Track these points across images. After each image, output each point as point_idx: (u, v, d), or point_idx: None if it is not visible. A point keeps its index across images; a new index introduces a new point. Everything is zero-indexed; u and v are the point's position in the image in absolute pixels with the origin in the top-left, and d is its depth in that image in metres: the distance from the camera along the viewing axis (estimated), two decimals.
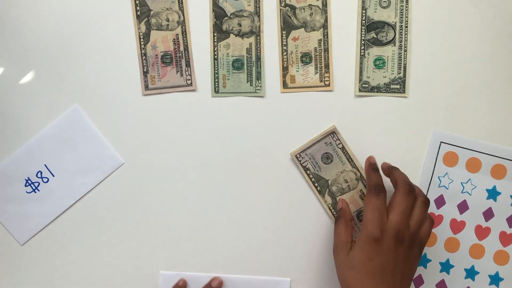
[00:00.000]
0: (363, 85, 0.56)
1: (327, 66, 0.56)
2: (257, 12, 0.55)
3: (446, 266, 0.57)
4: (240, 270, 0.57)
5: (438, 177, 0.56)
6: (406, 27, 0.55)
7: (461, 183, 0.56)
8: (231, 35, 0.56)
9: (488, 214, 0.56)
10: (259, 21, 0.55)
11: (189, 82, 0.56)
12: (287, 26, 0.56)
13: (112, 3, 0.55)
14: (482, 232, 0.56)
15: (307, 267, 0.57)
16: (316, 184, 0.56)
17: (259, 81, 0.56)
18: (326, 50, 0.56)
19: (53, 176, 0.56)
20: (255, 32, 0.56)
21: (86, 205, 0.56)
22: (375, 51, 0.56)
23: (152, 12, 0.55)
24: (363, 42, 0.55)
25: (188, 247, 0.57)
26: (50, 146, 0.56)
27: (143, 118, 0.56)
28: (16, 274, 0.57)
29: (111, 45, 0.55)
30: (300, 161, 0.56)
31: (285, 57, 0.56)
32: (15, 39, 0.55)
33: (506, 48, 0.55)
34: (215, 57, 0.56)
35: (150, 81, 0.56)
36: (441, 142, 0.56)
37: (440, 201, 0.56)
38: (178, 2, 0.55)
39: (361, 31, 0.55)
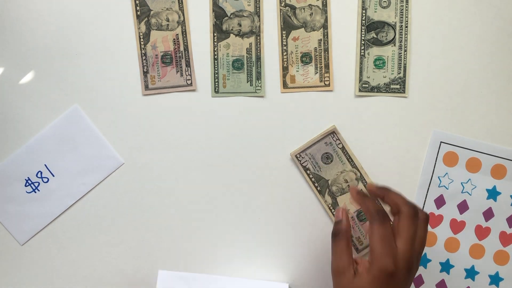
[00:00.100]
0: (363, 85, 0.56)
1: (327, 66, 0.56)
2: (257, 12, 0.55)
3: (446, 266, 0.57)
4: (240, 270, 0.57)
5: (438, 177, 0.56)
6: (406, 27, 0.55)
7: (461, 183, 0.56)
8: (231, 35, 0.56)
9: (488, 214, 0.56)
10: (259, 21, 0.55)
11: (189, 82, 0.56)
12: (287, 26, 0.56)
13: (112, 3, 0.55)
14: (482, 232, 0.56)
15: (307, 267, 0.57)
16: (316, 184, 0.56)
17: (259, 81, 0.56)
18: (326, 50, 0.56)
19: (53, 176, 0.56)
20: (255, 32, 0.56)
21: (86, 205, 0.56)
22: (375, 51, 0.56)
23: (152, 12, 0.55)
24: (363, 42, 0.55)
25: (188, 247, 0.57)
26: (50, 146, 0.56)
27: (143, 118, 0.56)
28: (16, 274, 0.57)
29: (111, 45, 0.55)
30: (300, 161, 0.56)
31: (285, 57, 0.56)
32: (15, 39, 0.55)
33: (506, 48, 0.55)
34: (215, 57, 0.56)
35: (150, 81, 0.56)
36: (441, 142, 0.56)
37: (440, 201, 0.56)
38: (178, 2, 0.55)
39: (361, 31, 0.55)
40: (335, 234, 0.46)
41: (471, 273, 0.57)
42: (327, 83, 0.56)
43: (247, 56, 0.56)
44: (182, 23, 0.55)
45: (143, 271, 0.57)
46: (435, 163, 0.56)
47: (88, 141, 0.56)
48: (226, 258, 0.57)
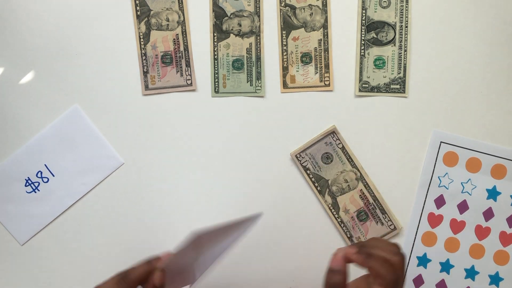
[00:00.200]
0: (363, 85, 0.56)
1: (327, 66, 0.56)
2: (257, 12, 0.55)
3: (446, 266, 0.57)
4: (239, 270, 0.57)
5: (438, 177, 0.56)
6: (406, 27, 0.55)
7: (461, 183, 0.56)
8: (231, 35, 0.56)
9: (488, 214, 0.56)
10: (259, 21, 0.55)
11: (189, 82, 0.56)
12: (287, 26, 0.56)
13: (112, 3, 0.55)
14: (482, 232, 0.56)
15: (306, 266, 0.57)
16: (316, 184, 0.56)
17: (259, 81, 0.56)
18: (326, 50, 0.56)
19: (53, 176, 0.56)
20: (255, 32, 0.56)
21: (86, 205, 0.56)
22: (375, 51, 0.56)
23: (152, 12, 0.55)
24: (363, 42, 0.55)
25: None
26: (50, 146, 0.56)
27: (143, 118, 0.56)
28: (16, 274, 0.57)
29: (111, 45, 0.55)
30: (300, 161, 0.56)
31: (285, 57, 0.56)
32: (15, 39, 0.55)
33: (506, 48, 0.55)
34: (215, 57, 0.56)
35: (150, 81, 0.56)
36: (441, 142, 0.56)
37: (440, 201, 0.56)
38: (178, 2, 0.55)
39: (361, 31, 0.55)
40: (330, 286, 0.40)
41: (471, 273, 0.57)
42: (327, 83, 0.56)
43: (247, 56, 0.56)
44: (182, 23, 0.55)
45: None
46: (435, 163, 0.56)
47: (88, 141, 0.56)
48: (226, 258, 0.57)
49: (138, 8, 0.55)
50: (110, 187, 0.56)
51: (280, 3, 0.55)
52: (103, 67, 0.56)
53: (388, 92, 0.56)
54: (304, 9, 0.55)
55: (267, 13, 0.55)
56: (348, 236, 0.57)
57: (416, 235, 0.57)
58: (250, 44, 0.56)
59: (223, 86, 0.56)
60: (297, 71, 0.56)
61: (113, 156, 0.56)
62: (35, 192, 0.56)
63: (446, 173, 0.56)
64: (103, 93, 0.56)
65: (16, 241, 0.56)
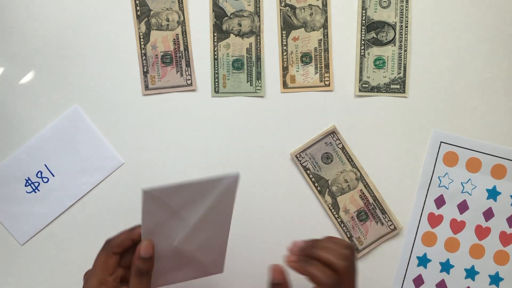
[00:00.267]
0: (363, 85, 0.56)
1: (327, 66, 0.56)
2: (257, 12, 0.55)
3: (446, 266, 0.57)
4: (239, 270, 0.57)
5: (438, 177, 0.56)
6: (406, 27, 0.55)
7: (461, 183, 0.56)
8: (231, 35, 0.56)
9: (488, 214, 0.56)
10: (259, 21, 0.55)
11: (189, 82, 0.56)
12: (287, 26, 0.56)
13: (112, 3, 0.55)
14: (482, 232, 0.56)
15: None
16: (316, 184, 0.56)
17: (259, 81, 0.56)
18: (326, 50, 0.56)
19: (53, 176, 0.56)
20: (255, 32, 0.56)
21: (86, 205, 0.56)
22: (375, 51, 0.56)
23: (152, 12, 0.55)
24: (363, 42, 0.55)
25: None
26: (50, 146, 0.56)
27: (143, 118, 0.56)
28: (16, 274, 0.57)
29: (111, 45, 0.55)
30: (300, 161, 0.56)
31: (285, 57, 0.56)
32: (15, 39, 0.55)
33: (506, 48, 0.55)
34: (215, 57, 0.56)
35: (150, 81, 0.56)
36: (441, 142, 0.56)
37: (440, 201, 0.56)
38: (178, 2, 0.55)
39: (361, 31, 0.55)
40: None
41: (471, 273, 0.57)
42: (327, 83, 0.56)
43: (247, 56, 0.56)
44: (182, 23, 0.55)
45: None
46: (435, 163, 0.56)
47: (88, 141, 0.56)
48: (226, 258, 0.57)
49: (138, 8, 0.55)
50: (110, 187, 0.56)
51: (280, 3, 0.55)
52: (103, 67, 0.56)
53: (388, 92, 0.56)
54: (304, 9, 0.55)
55: (267, 13, 0.55)
56: (348, 236, 0.57)
57: (416, 235, 0.57)
58: (250, 44, 0.56)
59: (223, 86, 0.56)
60: (297, 71, 0.56)
61: (113, 156, 0.56)
62: (35, 192, 0.56)
63: (446, 173, 0.56)
64: (103, 93, 0.56)
65: (16, 241, 0.56)
